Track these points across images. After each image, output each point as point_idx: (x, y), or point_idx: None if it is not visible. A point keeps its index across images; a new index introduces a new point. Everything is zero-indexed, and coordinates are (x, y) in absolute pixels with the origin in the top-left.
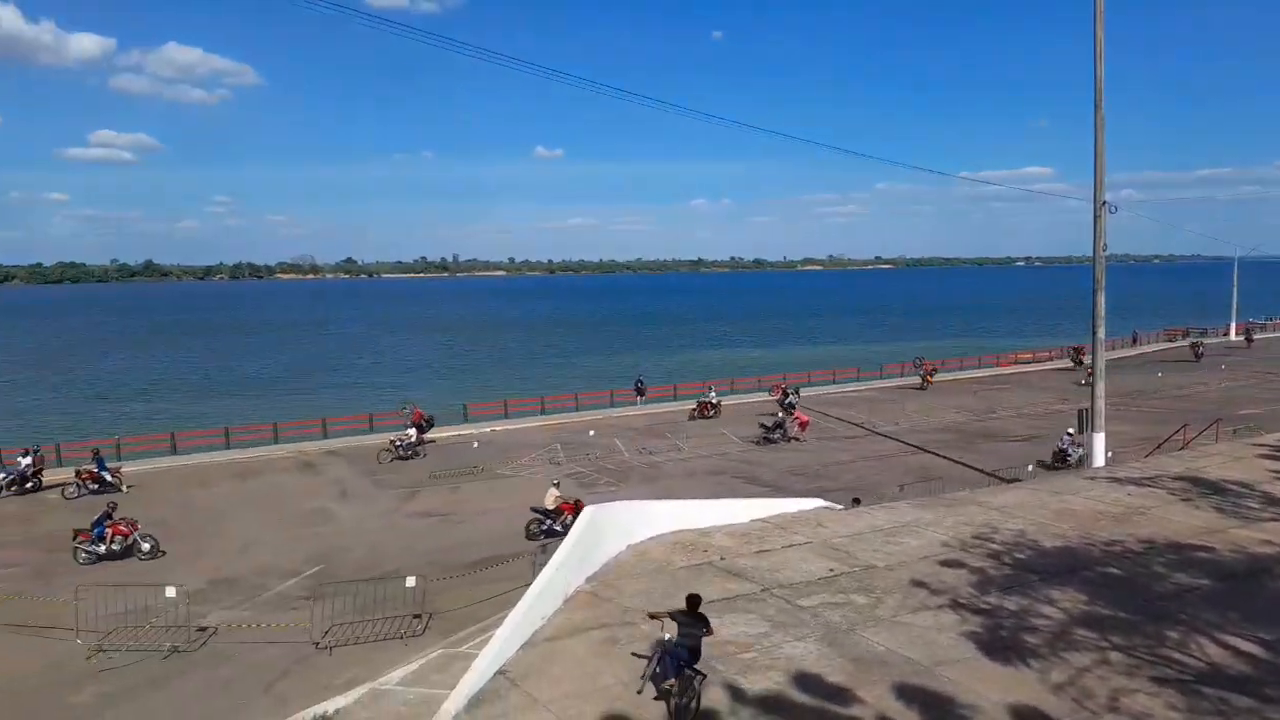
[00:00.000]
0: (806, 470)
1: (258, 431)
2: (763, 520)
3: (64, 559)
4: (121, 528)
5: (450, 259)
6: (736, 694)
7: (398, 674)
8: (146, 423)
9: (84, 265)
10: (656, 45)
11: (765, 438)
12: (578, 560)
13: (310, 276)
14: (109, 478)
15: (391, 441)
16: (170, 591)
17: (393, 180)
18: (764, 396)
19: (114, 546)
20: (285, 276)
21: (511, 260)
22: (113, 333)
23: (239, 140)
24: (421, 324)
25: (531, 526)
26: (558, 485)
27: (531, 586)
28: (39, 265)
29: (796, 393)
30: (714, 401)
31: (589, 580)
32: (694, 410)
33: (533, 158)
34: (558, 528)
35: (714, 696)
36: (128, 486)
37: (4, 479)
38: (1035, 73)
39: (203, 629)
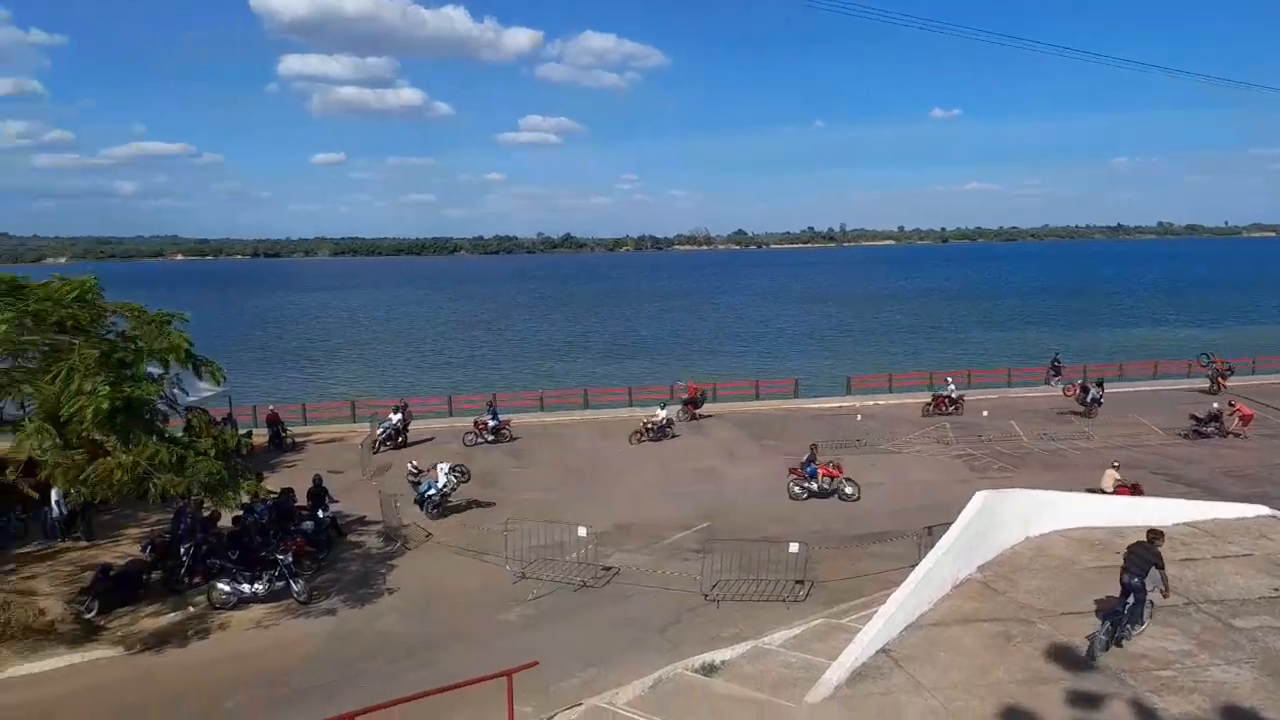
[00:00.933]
0: (1247, 472)
1: (654, 392)
2: (1189, 525)
3: (491, 494)
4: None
5: (837, 229)
6: (1147, 713)
7: (780, 635)
8: (563, 379)
9: (515, 238)
10: None
11: (1195, 430)
12: (967, 547)
13: (704, 248)
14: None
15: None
16: (581, 531)
17: (783, 152)
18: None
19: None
20: (682, 248)
21: (901, 229)
22: (535, 299)
23: (645, 120)
24: (804, 295)
25: (792, 487)
26: (1117, 466)
27: (918, 568)
28: (480, 237)
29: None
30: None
31: (980, 569)
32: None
33: (927, 120)
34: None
35: (1119, 712)
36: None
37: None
38: None
39: (607, 568)
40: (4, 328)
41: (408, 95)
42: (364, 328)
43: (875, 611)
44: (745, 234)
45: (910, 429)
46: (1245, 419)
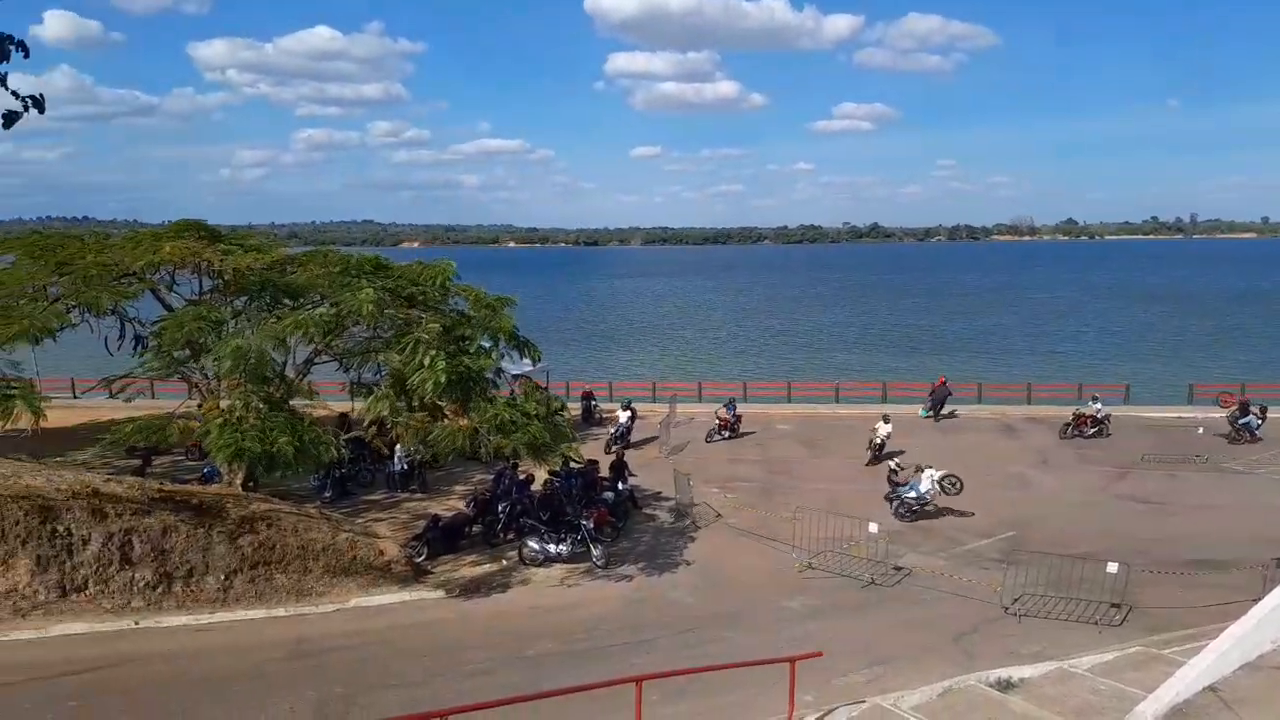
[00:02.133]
0: None
1: (963, 389)
2: None
3: (780, 481)
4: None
5: (1186, 219)
6: None
7: (1089, 660)
8: (861, 373)
9: (820, 227)
10: None
11: None
12: None
13: (1026, 238)
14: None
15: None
16: (873, 527)
17: (1124, 134)
18: None
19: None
20: (1001, 238)
21: (1265, 220)
22: (833, 289)
23: (968, 104)
24: (1143, 292)
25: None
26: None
27: (1263, 602)
28: (784, 227)
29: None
30: None
31: None
32: None
33: None
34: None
35: None
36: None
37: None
38: None
39: (898, 568)
40: (370, 305)
41: (724, 88)
42: (662, 313)
43: (1204, 645)
44: (1075, 223)
45: (1265, 447)
46: None
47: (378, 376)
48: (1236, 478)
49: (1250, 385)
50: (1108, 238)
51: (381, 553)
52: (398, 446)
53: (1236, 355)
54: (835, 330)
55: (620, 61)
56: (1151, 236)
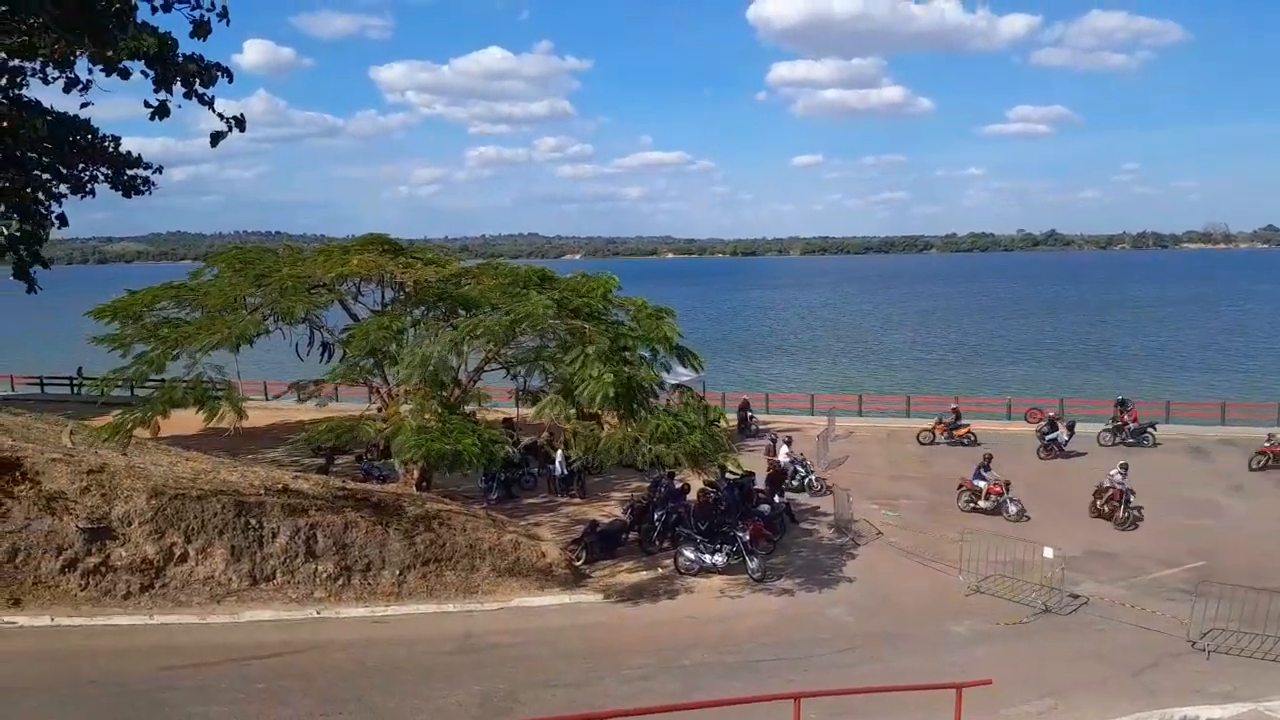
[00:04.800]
0: None
1: (1149, 409)
2: None
3: (945, 500)
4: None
5: None
6: None
7: None
8: (1032, 387)
9: (992, 235)
10: None
11: None
12: None
13: (1221, 246)
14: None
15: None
16: (1048, 552)
17: None
18: None
19: (983, 504)
20: (1192, 246)
21: None
22: (1001, 300)
23: (1154, 103)
24: None
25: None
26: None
27: None
28: (953, 235)
29: None
30: None
31: None
32: None
33: None
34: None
35: None
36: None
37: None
38: None
39: (1075, 596)
40: (546, 310)
41: (890, 93)
42: (817, 324)
43: None
44: (1276, 230)
45: None
46: None
47: (544, 383)
48: None
49: None
50: None
51: (543, 555)
52: (559, 452)
53: None
54: (1001, 342)
55: (782, 71)
56: None
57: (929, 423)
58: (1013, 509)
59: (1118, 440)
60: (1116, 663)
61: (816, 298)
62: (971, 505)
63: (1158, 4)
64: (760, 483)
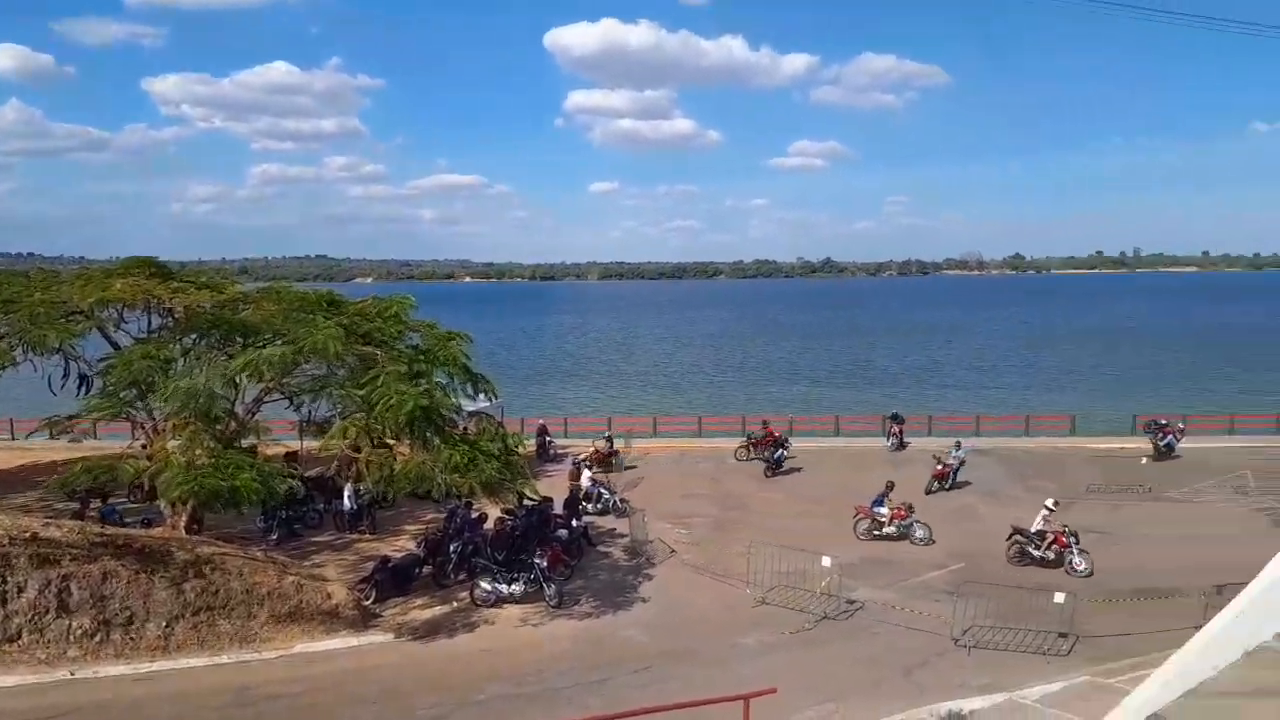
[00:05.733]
0: None
1: (913, 423)
2: None
3: (734, 517)
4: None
5: (1129, 253)
6: None
7: (1037, 690)
8: (813, 405)
9: (775, 262)
10: None
11: None
12: (1265, 612)
13: (975, 273)
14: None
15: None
16: (826, 561)
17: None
18: None
19: (888, 529)
20: (951, 272)
21: (1205, 254)
22: (782, 324)
23: (919, 141)
24: (1087, 328)
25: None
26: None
27: (1203, 630)
28: (740, 262)
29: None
30: None
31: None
32: None
33: (1246, 134)
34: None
35: None
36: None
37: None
38: None
39: (851, 601)
40: (336, 343)
41: (681, 125)
42: (609, 349)
43: (1148, 674)
44: (1022, 258)
45: (1202, 476)
46: None
47: (332, 414)
48: (1177, 506)
49: (1197, 416)
50: (1053, 271)
51: (329, 596)
52: (348, 485)
53: (1181, 387)
54: (785, 363)
55: (580, 98)
56: (1096, 271)
57: (726, 442)
58: (920, 533)
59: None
60: (890, 664)
61: (613, 322)
62: (875, 533)
63: (923, 49)
64: (559, 507)
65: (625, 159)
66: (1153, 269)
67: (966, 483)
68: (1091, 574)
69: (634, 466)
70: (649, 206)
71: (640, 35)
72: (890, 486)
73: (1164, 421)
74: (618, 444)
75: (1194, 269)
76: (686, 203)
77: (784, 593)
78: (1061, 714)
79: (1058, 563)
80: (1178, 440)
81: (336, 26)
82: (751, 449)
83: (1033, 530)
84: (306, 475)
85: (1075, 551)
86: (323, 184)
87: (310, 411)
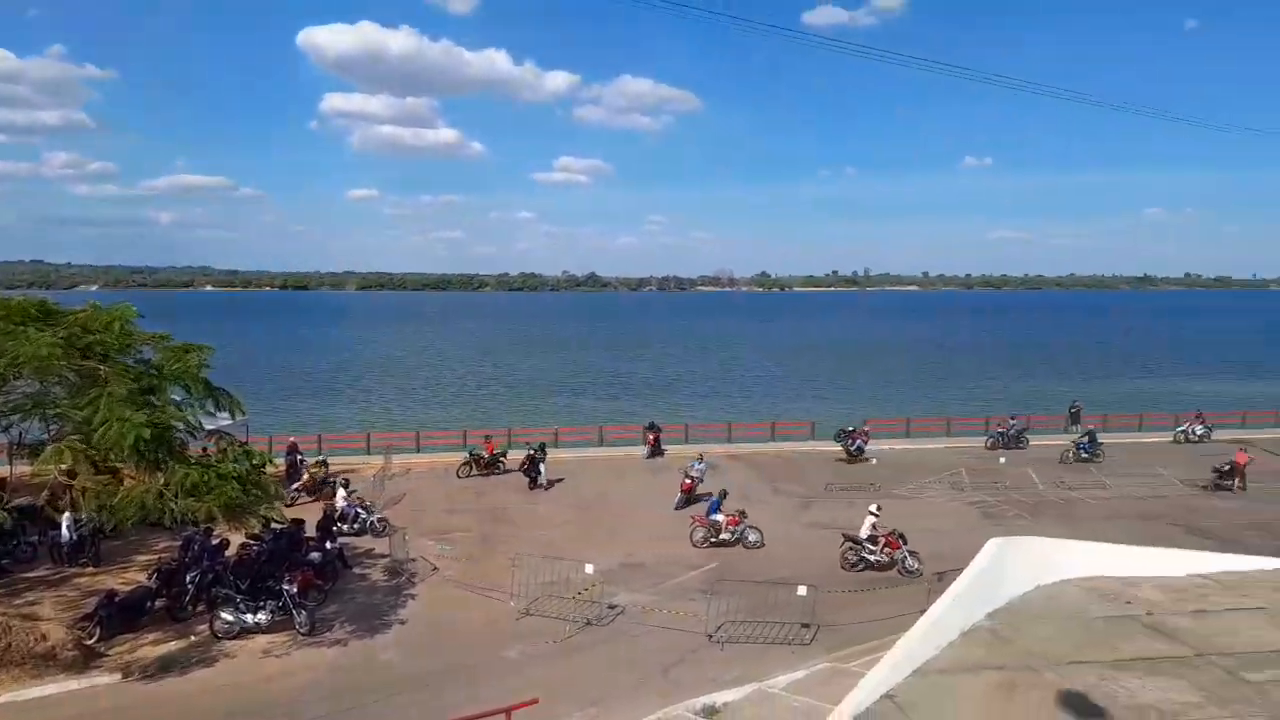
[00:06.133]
0: (1270, 526)
1: (671, 431)
2: (1204, 577)
3: (499, 530)
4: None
5: (861, 273)
6: None
7: (783, 679)
8: (578, 416)
9: (540, 275)
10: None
11: (1216, 484)
12: (977, 595)
13: (727, 289)
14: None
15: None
16: (589, 569)
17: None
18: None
19: (725, 535)
20: (705, 289)
21: (925, 274)
22: (547, 337)
23: (675, 162)
24: (824, 340)
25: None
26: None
27: (926, 614)
28: (505, 274)
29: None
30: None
31: (990, 617)
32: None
33: (959, 169)
34: (875, 558)
35: None
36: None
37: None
38: None
39: (612, 607)
40: (50, 351)
41: (445, 134)
42: (369, 362)
43: (881, 657)
44: (768, 275)
45: (925, 474)
46: (1239, 466)
47: (47, 434)
48: (904, 502)
49: (917, 419)
50: (796, 289)
51: (43, 637)
52: (65, 515)
53: (903, 391)
54: (550, 375)
55: (336, 101)
56: (833, 289)
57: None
58: (752, 537)
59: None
60: (648, 664)
61: (375, 334)
62: (711, 540)
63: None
64: (312, 529)
65: (386, 166)
66: (880, 287)
67: (708, 494)
68: (921, 573)
69: (393, 477)
70: (411, 216)
71: (401, 41)
72: (724, 494)
73: (851, 428)
74: (377, 460)
75: (915, 287)
76: (451, 213)
77: (548, 602)
78: (805, 699)
79: (890, 564)
80: (865, 444)
81: (58, 10)
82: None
83: (863, 536)
84: (12, 505)
85: (906, 553)
86: (41, 182)
87: (21, 434)
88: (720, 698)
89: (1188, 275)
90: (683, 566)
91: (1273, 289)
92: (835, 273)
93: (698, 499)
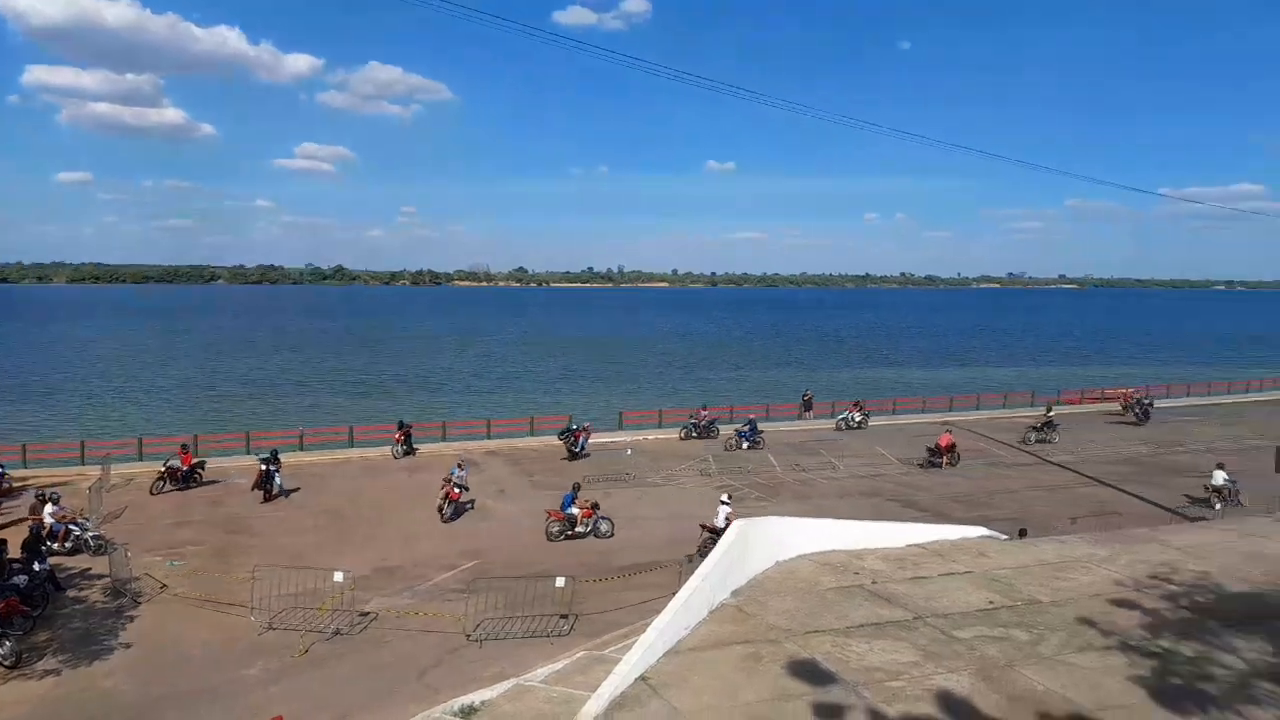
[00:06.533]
0: (970, 498)
1: (428, 429)
2: (919, 546)
3: (238, 540)
4: (587, 511)
5: (615, 270)
6: None
7: (542, 671)
8: (325, 417)
9: (282, 268)
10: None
11: (929, 461)
12: (724, 574)
13: (484, 284)
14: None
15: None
16: (338, 576)
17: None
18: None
19: (580, 529)
20: (462, 284)
21: (674, 272)
22: (291, 334)
23: (428, 154)
24: (575, 335)
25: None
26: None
27: (676, 596)
28: (241, 267)
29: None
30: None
31: (734, 595)
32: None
33: (704, 172)
34: (579, 529)
35: None
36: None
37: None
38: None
39: (364, 614)
40: None
41: (170, 115)
42: (81, 363)
43: (635, 641)
44: (526, 271)
45: (677, 462)
46: (946, 447)
47: None
48: (656, 490)
49: (669, 410)
50: (552, 285)
51: None
52: None
53: (658, 382)
54: (288, 374)
55: (41, 74)
56: (589, 285)
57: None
58: (604, 527)
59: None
60: (403, 669)
61: (89, 332)
62: (566, 534)
63: (429, 64)
64: (15, 550)
65: (102, 147)
66: (634, 284)
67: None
68: (612, 535)
69: (112, 489)
70: (131, 202)
71: (119, 12)
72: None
73: (574, 426)
74: (94, 471)
75: (666, 284)
76: (178, 200)
77: (293, 615)
78: (563, 689)
79: (589, 532)
80: (588, 438)
81: None
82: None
83: (720, 525)
84: None
85: (599, 518)
86: None
87: None
88: (478, 696)
89: (903, 274)
90: (440, 567)
91: (973, 286)
92: (591, 269)
93: (464, 507)
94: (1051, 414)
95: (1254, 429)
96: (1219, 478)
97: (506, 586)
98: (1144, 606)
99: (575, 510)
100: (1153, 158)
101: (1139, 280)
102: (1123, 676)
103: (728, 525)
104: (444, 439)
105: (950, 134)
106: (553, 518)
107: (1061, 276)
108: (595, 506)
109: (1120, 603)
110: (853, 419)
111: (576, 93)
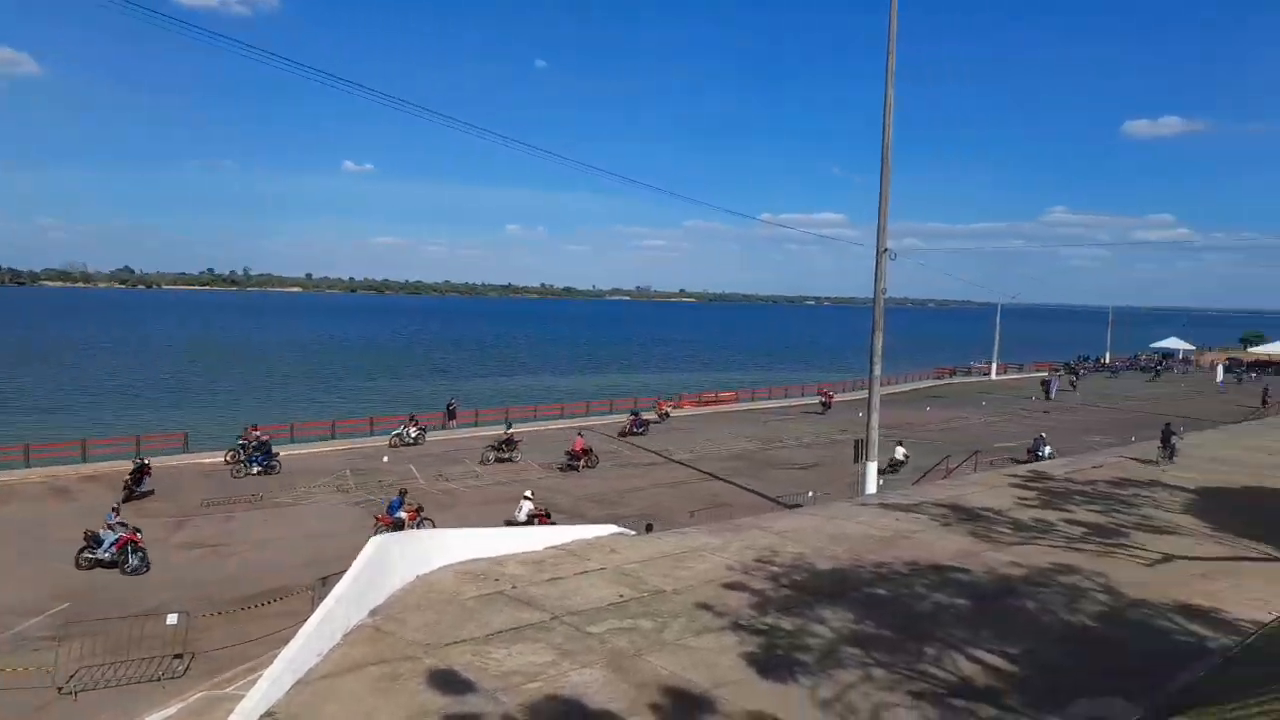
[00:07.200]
0: (604, 497)
1: (6, 453)
2: (557, 547)
3: None
4: (412, 512)
5: (241, 272)
6: None
7: (154, 717)
8: None
9: None
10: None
11: (568, 464)
12: (360, 593)
13: (81, 285)
14: None
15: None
16: None
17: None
18: (565, 423)
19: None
20: (52, 284)
21: (309, 276)
22: None
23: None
24: (199, 345)
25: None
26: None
27: (307, 622)
28: None
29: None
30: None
31: (372, 614)
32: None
33: (340, 172)
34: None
35: None
36: None
37: None
38: (833, 121)
39: None
40: None
41: None
42: None
43: (261, 675)
44: (133, 271)
45: (312, 479)
46: (582, 452)
47: None
48: (287, 510)
49: (301, 423)
50: (165, 287)
51: None
52: None
53: (290, 394)
54: None
55: None
56: (209, 287)
57: None
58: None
59: None
60: None
61: None
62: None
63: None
64: None
65: None
66: (262, 288)
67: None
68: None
69: None
70: None
71: None
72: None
73: (255, 435)
74: None
75: (299, 289)
76: None
77: None
78: None
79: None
80: (275, 453)
81: None
82: None
83: (521, 519)
84: None
85: (423, 520)
86: None
87: None
88: None
89: (543, 285)
90: (19, 614)
91: (607, 298)
92: (211, 271)
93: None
94: (512, 430)
95: (837, 425)
96: (899, 453)
97: (107, 629)
98: (751, 588)
99: (403, 514)
100: (755, 186)
101: (745, 295)
102: (735, 654)
103: (529, 521)
104: (27, 464)
105: (585, 154)
106: (381, 522)
107: (682, 291)
108: (420, 509)
109: (732, 585)
110: (408, 434)
111: (197, 81)
